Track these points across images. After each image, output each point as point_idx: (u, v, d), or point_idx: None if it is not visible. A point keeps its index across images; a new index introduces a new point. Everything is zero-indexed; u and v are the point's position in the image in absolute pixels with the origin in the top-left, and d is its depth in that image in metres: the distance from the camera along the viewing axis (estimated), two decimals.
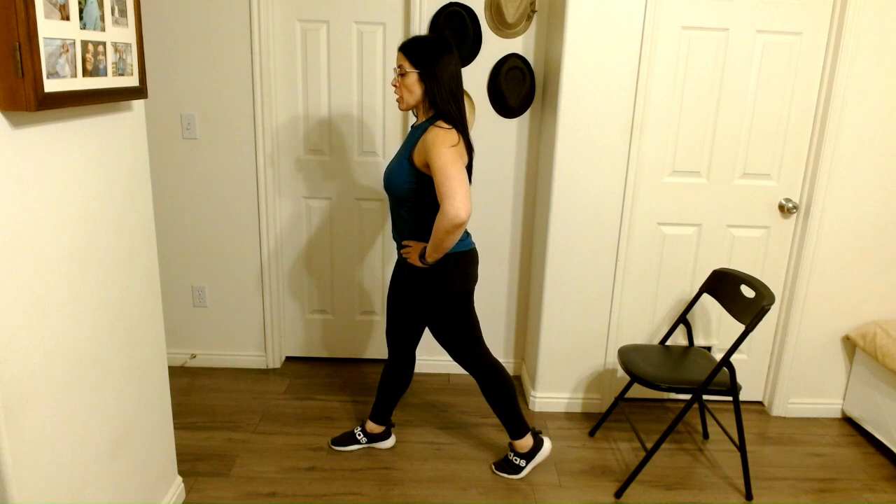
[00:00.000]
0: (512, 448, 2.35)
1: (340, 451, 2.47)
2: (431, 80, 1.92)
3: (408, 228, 2.06)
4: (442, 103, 1.92)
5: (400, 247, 2.11)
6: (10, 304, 1.23)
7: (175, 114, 2.81)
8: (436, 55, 1.91)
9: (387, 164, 2.93)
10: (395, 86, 1.99)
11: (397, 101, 2.01)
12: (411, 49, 1.93)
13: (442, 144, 1.84)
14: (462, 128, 1.94)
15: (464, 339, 2.16)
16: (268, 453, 2.44)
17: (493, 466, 2.38)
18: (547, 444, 2.36)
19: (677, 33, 2.47)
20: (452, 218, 1.79)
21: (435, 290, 2.07)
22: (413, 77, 1.93)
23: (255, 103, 2.78)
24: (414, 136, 1.97)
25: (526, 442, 2.32)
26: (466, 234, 2.10)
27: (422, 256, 1.98)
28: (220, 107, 2.79)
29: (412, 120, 2.81)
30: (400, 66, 1.96)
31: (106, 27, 1.42)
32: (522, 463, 2.33)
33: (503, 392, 2.24)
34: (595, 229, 2.62)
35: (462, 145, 1.91)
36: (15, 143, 1.22)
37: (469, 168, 2.00)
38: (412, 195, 1.98)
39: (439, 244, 1.88)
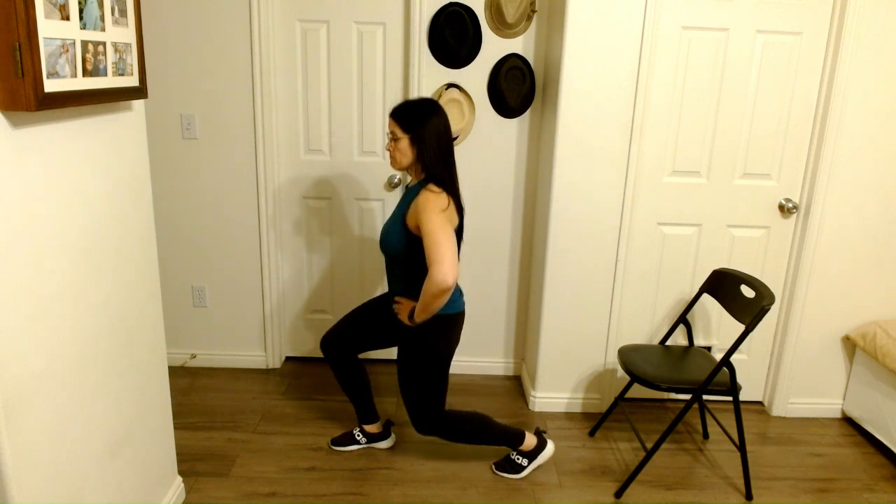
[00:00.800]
0: (515, 448, 2.35)
1: (340, 451, 2.47)
2: (421, 144, 1.98)
3: (400, 286, 2.11)
4: (432, 166, 1.98)
5: (393, 301, 2.15)
6: (10, 305, 1.23)
7: (175, 114, 2.81)
8: (424, 119, 1.97)
9: (387, 164, 2.93)
10: (388, 150, 2.06)
11: (391, 162, 2.06)
12: (402, 115, 2.00)
13: (432, 210, 1.89)
14: (453, 189, 2.00)
15: (427, 396, 2.15)
16: (268, 453, 2.44)
17: (494, 466, 2.38)
18: (550, 446, 2.36)
19: (677, 33, 2.47)
20: (439, 283, 1.83)
21: (416, 348, 2.10)
22: (405, 142, 2.00)
23: (255, 103, 2.78)
24: (407, 199, 2.03)
25: (529, 442, 2.32)
26: (459, 294, 2.13)
27: (411, 316, 2.01)
28: (220, 107, 2.80)
29: None
30: (392, 132, 2.01)
31: (106, 27, 1.42)
32: (525, 462, 2.33)
33: (471, 432, 2.23)
34: (595, 229, 2.62)
35: (452, 208, 1.96)
36: (15, 143, 1.22)
37: (460, 229, 2.05)
38: (405, 256, 2.04)
39: (426, 306, 1.92)
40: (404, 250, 2.03)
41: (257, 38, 2.70)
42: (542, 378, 2.81)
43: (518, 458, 2.34)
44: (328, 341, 2.33)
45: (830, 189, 2.58)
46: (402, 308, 2.07)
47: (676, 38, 2.47)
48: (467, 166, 2.88)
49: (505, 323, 3.11)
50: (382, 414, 2.75)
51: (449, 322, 2.08)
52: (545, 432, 2.39)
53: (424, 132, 1.97)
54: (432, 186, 1.96)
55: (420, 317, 1.97)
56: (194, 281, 3.02)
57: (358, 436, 2.48)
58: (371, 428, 2.47)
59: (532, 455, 2.33)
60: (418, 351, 2.10)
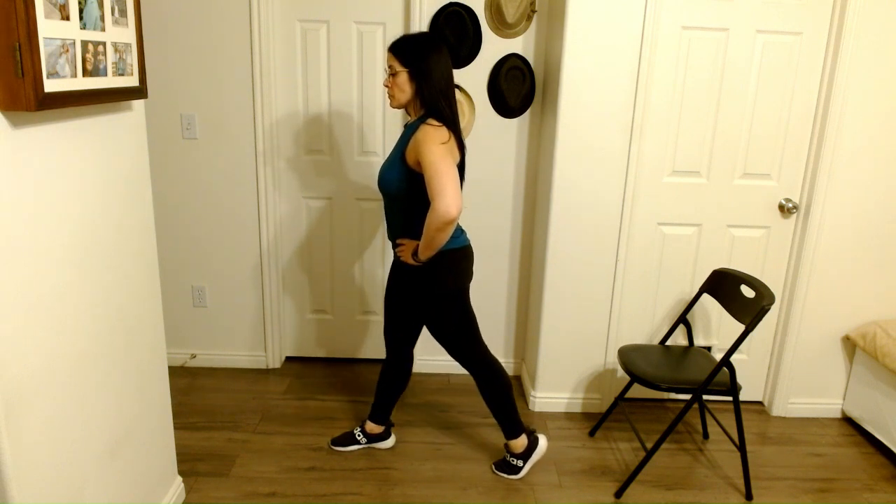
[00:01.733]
0: (507, 449, 2.35)
1: (340, 451, 2.47)
2: (421, 79, 1.93)
3: (401, 226, 2.07)
4: (432, 101, 1.93)
5: (395, 245, 2.12)
6: (10, 305, 1.23)
7: (175, 114, 2.81)
8: (425, 53, 1.92)
9: None
10: (386, 86, 2.01)
11: (389, 101, 2.02)
12: (401, 48, 1.94)
13: (432, 142, 1.85)
14: (453, 126, 1.95)
15: (461, 336, 2.15)
16: (268, 453, 2.44)
17: (494, 466, 2.38)
18: (542, 442, 2.36)
19: (677, 33, 2.47)
20: (442, 214, 1.79)
21: (430, 288, 2.07)
22: (404, 76, 1.95)
23: (255, 103, 2.78)
24: (406, 135, 1.98)
25: (521, 442, 2.32)
26: (461, 231, 2.10)
27: (415, 254, 1.99)
28: (220, 107, 2.80)
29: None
30: (390, 66, 1.97)
31: (106, 27, 1.42)
32: (520, 463, 2.33)
33: (500, 391, 2.24)
34: (595, 229, 2.62)
35: (453, 142, 1.91)
36: (15, 143, 1.22)
37: (461, 166, 2.01)
38: (405, 193, 1.99)
39: (431, 241, 1.88)
40: (405, 188, 1.97)
41: (257, 38, 2.70)
42: (542, 378, 2.81)
43: (513, 461, 2.34)
44: (385, 336, 2.34)
45: (830, 189, 2.58)
46: (406, 249, 2.03)
47: (676, 38, 2.47)
48: (467, 166, 2.88)
49: (505, 323, 3.11)
50: None
51: (454, 256, 2.04)
52: (534, 431, 2.38)
53: (424, 66, 1.91)
54: (432, 121, 1.91)
55: (425, 253, 1.92)
56: (194, 281, 3.02)
57: (358, 436, 2.48)
58: (373, 428, 2.47)
59: (525, 455, 2.33)
60: (431, 291, 2.06)
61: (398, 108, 2.02)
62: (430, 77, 1.92)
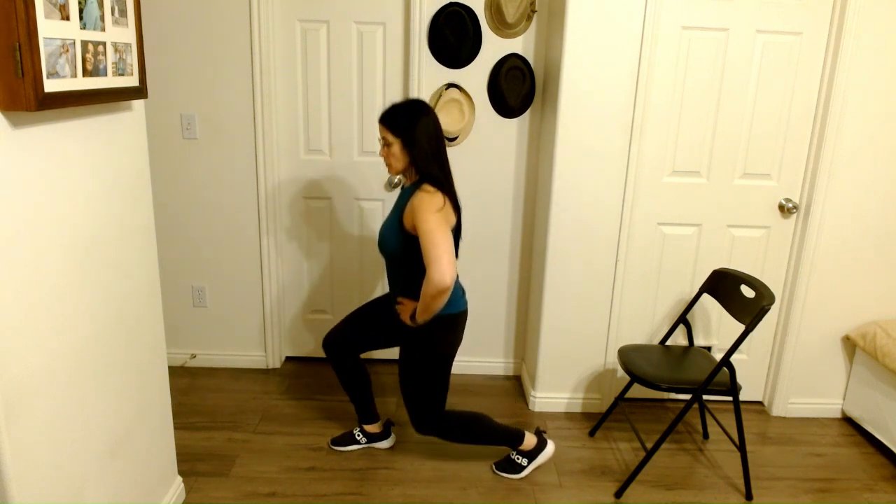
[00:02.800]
0: (515, 447, 2.35)
1: (340, 451, 2.47)
2: (412, 147, 1.97)
3: (401, 286, 2.12)
4: (425, 167, 1.98)
5: (395, 301, 2.16)
6: (10, 304, 1.23)
7: (175, 114, 2.81)
8: (412, 120, 1.97)
9: None
10: (382, 156, 2.05)
11: (387, 168, 2.07)
12: (391, 119, 1.99)
13: (427, 210, 1.89)
14: (448, 188, 1.99)
15: (428, 396, 2.15)
16: (268, 453, 2.44)
17: (494, 466, 2.38)
18: (550, 446, 2.36)
19: (677, 33, 2.47)
20: (437, 283, 1.84)
21: (418, 349, 2.10)
22: (397, 146, 1.99)
23: (255, 103, 2.78)
24: (403, 200, 2.03)
25: (529, 441, 2.32)
26: (461, 294, 2.13)
27: (413, 316, 2.02)
28: (220, 107, 2.80)
29: None
30: (383, 138, 2.02)
31: (106, 27, 1.42)
32: (525, 462, 2.33)
33: (471, 432, 2.23)
34: (595, 229, 2.62)
35: (448, 207, 1.95)
36: (15, 143, 1.22)
37: (458, 226, 2.05)
38: (403, 255, 2.04)
39: (427, 307, 1.92)
40: (402, 250, 2.03)
41: (257, 38, 2.70)
42: (542, 378, 2.81)
43: (518, 458, 2.34)
44: (330, 342, 2.33)
45: (830, 189, 2.58)
46: (405, 309, 2.07)
47: (676, 38, 2.47)
48: (467, 166, 2.88)
49: (505, 323, 3.11)
50: (383, 414, 2.75)
51: (451, 322, 2.08)
52: (545, 432, 2.39)
53: (415, 134, 1.96)
54: (427, 186, 1.96)
55: (421, 317, 1.97)
56: (194, 281, 3.02)
57: (358, 436, 2.48)
58: (371, 428, 2.47)
59: (532, 455, 2.33)
60: (420, 351, 2.10)
61: (397, 174, 2.07)
62: (419, 143, 1.97)
